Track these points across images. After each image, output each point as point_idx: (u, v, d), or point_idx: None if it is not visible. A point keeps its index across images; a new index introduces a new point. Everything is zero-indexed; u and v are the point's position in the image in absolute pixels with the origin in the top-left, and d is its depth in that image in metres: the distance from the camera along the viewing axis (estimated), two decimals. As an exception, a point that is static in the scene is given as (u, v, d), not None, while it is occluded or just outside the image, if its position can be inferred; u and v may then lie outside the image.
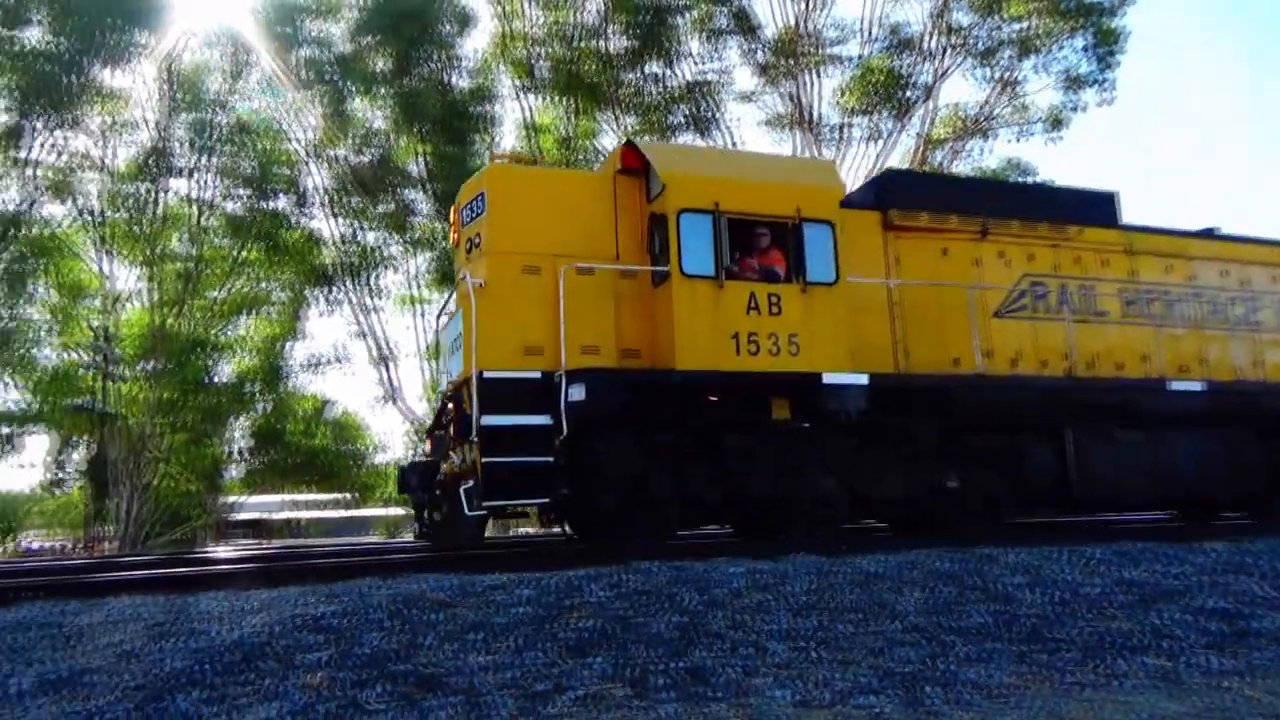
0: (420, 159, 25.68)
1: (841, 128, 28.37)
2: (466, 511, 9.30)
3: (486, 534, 12.50)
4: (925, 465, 10.93)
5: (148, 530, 21.82)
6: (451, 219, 11.45)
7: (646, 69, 26.33)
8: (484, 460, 9.20)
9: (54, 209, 22.53)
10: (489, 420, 9.27)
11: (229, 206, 23.88)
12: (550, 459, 9.28)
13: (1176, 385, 12.10)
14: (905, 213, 11.73)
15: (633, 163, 10.75)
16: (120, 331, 23.54)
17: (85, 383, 23.29)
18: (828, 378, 10.20)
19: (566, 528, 10.73)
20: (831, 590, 6.99)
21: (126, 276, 23.57)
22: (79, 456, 24.74)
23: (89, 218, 22.46)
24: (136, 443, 22.03)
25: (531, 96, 26.58)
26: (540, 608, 6.48)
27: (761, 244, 10.71)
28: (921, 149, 29.25)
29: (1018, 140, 29.24)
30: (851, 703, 5.32)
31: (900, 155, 29.27)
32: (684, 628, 6.23)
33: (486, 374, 9.45)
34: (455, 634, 6.12)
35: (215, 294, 23.66)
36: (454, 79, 25.71)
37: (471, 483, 9.38)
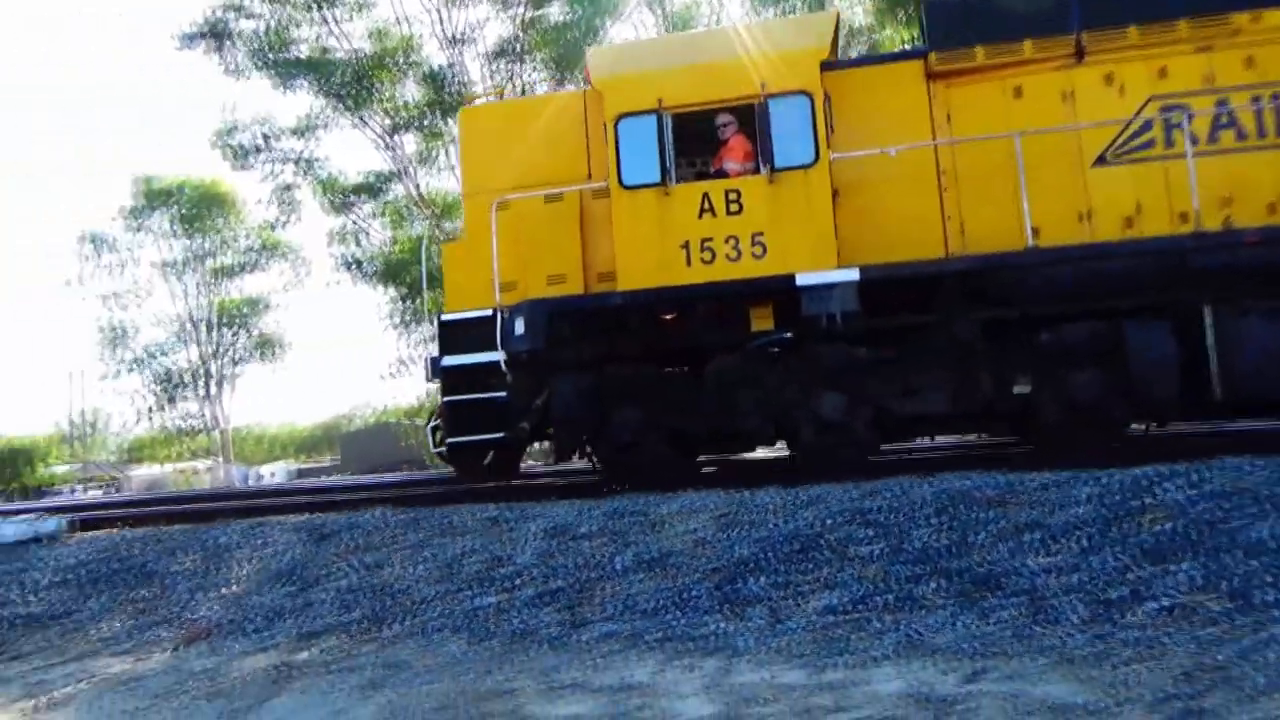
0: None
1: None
2: (432, 448, 10.01)
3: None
4: (976, 370, 8.74)
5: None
6: None
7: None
8: (444, 400, 9.68)
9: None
10: (447, 361, 9.58)
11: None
12: (505, 395, 9.24)
13: None
14: (951, 54, 9.26)
15: None
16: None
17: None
18: (802, 278, 8.75)
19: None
20: None
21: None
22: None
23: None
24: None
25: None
26: (1103, 508, 5.90)
27: (726, 134, 9.41)
28: None
29: None
30: None
31: None
32: (1296, 535, 5.22)
33: (443, 317, 9.93)
34: (1008, 533, 5.84)
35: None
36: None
37: (438, 420, 10.05)
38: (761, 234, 9.01)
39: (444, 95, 24.01)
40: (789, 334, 9.09)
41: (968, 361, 8.81)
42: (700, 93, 9.31)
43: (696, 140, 9.67)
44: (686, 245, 9.09)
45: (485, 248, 9.57)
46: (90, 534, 9.53)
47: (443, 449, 9.93)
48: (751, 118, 9.21)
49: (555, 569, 6.74)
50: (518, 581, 6.66)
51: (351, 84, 24.87)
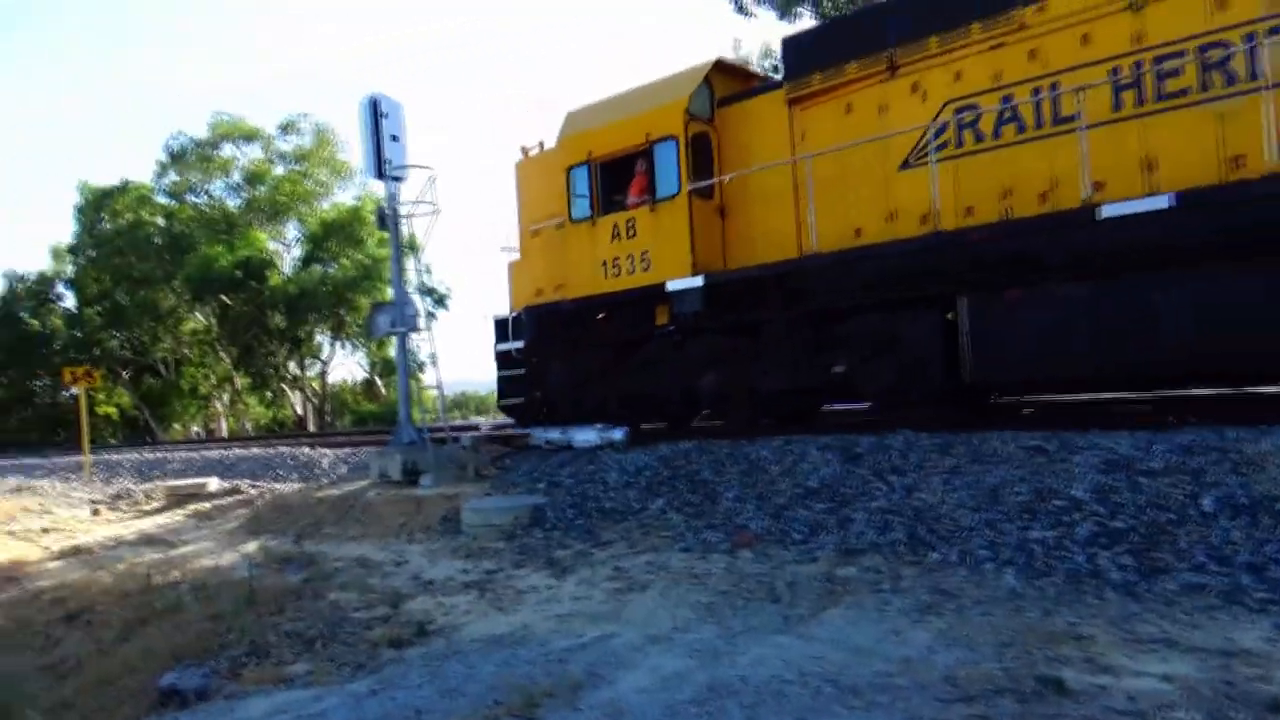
0: None
1: None
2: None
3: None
4: (804, 355, 10.10)
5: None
6: None
7: None
8: (498, 374, 13.35)
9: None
10: (499, 346, 12.98)
11: None
12: (522, 371, 12.49)
13: (1113, 210, 7.74)
14: (799, 81, 10.50)
15: None
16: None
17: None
18: (670, 285, 10.85)
19: None
20: None
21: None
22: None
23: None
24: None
25: None
26: None
27: (637, 173, 11.46)
28: None
29: None
30: None
31: None
32: None
33: (494, 316, 13.51)
34: None
35: None
36: None
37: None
38: (647, 251, 11.29)
39: None
40: (671, 327, 11.22)
41: (797, 347, 10.14)
42: (615, 144, 11.61)
43: (627, 179, 11.69)
44: (605, 263, 11.72)
45: (523, 266, 13.22)
46: (649, 444, 10.80)
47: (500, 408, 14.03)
48: (646, 159, 11.31)
49: (1118, 506, 6.00)
50: (1073, 517, 6.06)
51: (849, 1, 24.56)
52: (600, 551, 7.76)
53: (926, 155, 9.40)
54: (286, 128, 43.29)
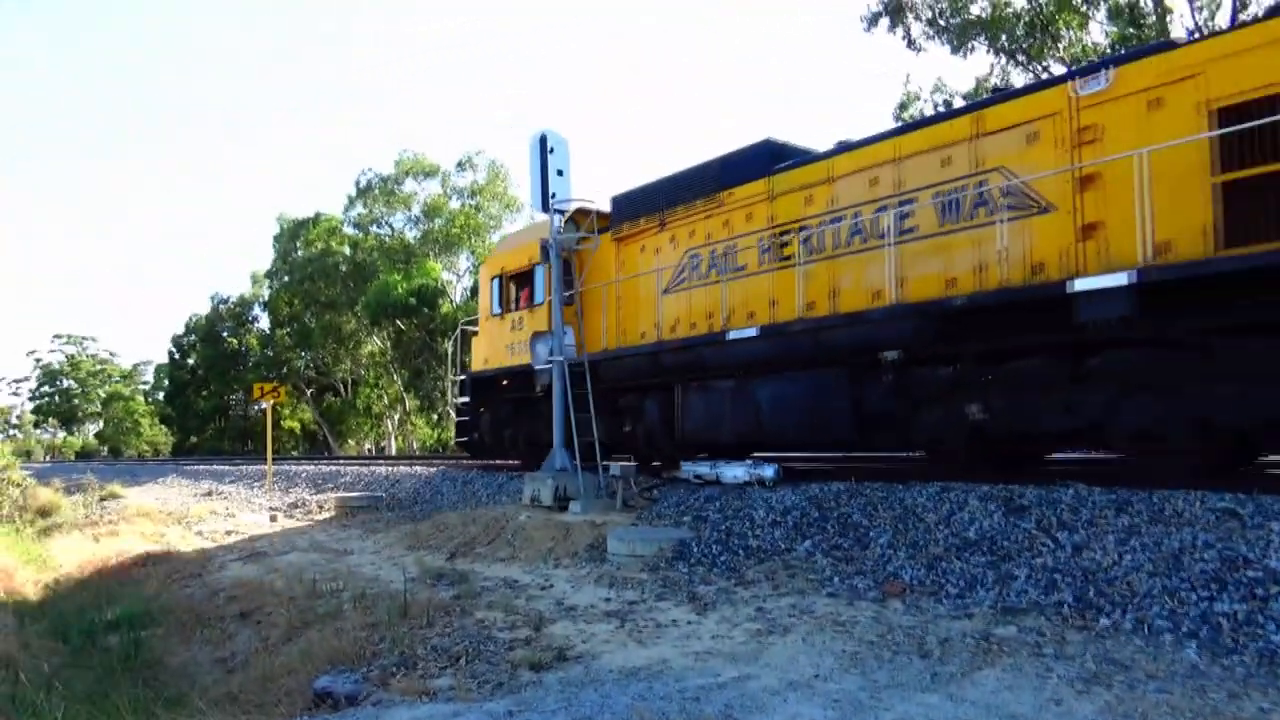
0: None
1: None
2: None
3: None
4: (607, 418, 13.92)
5: None
6: None
7: None
8: (456, 419, 18.97)
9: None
10: (455, 400, 18.84)
11: None
12: (467, 418, 18.01)
13: (732, 334, 11.96)
14: (619, 227, 14.55)
15: None
16: None
17: None
18: (535, 365, 14.87)
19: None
20: None
21: None
22: None
23: None
24: None
25: None
26: None
27: (526, 285, 16.34)
28: None
29: None
30: None
31: None
32: None
33: (456, 377, 19.65)
34: None
35: None
36: None
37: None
38: (526, 341, 15.15)
39: (1141, 28, 21.30)
40: (539, 393, 14.96)
41: (602, 412, 13.53)
42: (515, 264, 16.38)
43: (522, 288, 16.47)
44: (508, 346, 16.29)
45: (480, 341, 17.82)
46: (799, 483, 10.56)
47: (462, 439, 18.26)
48: (531, 276, 15.99)
49: (1324, 582, 5.36)
50: (1268, 590, 5.46)
51: (1027, 35, 23.67)
52: (743, 590, 7.61)
53: (676, 285, 13.40)
54: (463, 164, 45.59)
